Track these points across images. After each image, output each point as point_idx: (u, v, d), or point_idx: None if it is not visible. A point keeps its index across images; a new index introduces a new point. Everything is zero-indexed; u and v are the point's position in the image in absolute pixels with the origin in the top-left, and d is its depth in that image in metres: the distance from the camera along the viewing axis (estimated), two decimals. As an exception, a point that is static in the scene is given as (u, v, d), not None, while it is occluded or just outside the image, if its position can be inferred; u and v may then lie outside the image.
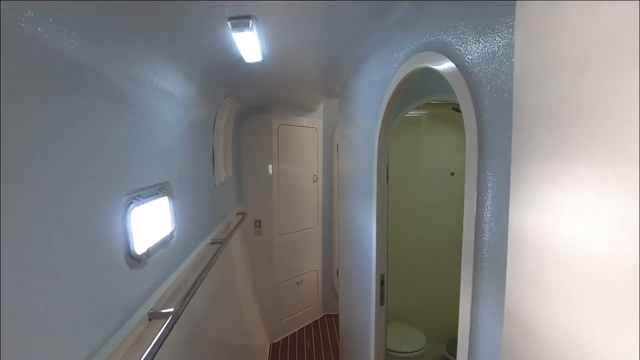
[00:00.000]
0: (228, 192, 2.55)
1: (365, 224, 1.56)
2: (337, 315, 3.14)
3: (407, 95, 1.83)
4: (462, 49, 0.78)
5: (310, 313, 3.45)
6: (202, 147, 1.93)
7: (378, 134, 1.28)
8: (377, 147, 1.31)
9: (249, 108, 2.85)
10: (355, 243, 1.86)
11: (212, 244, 1.92)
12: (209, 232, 1.98)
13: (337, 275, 3.45)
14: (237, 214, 2.72)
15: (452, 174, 2.82)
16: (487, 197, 0.71)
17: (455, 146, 2.82)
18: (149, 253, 1.11)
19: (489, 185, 0.70)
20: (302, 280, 3.27)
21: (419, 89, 1.93)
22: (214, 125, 2.14)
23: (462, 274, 0.80)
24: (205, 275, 1.48)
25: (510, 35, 0.62)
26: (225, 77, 1.92)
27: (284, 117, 2.99)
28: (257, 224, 3.00)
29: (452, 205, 2.89)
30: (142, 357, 0.88)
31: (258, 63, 1.54)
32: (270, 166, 2.93)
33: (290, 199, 3.08)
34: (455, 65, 0.80)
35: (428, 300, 2.96)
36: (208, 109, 1.99)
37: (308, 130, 3.19)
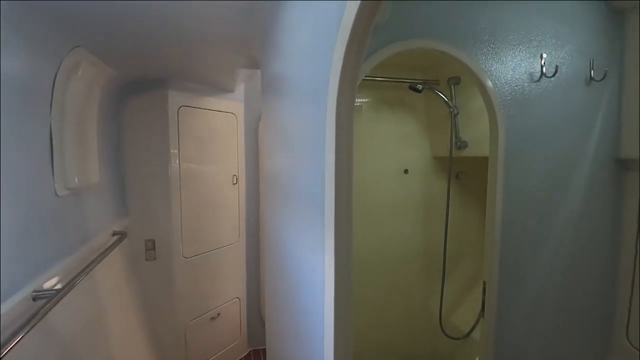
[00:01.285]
0: (95, 204, 1.68)
1: (310, 261, 0.89)
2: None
3: (378, 35, 1.21)
4: None
5: (233, 351, 2.68)
6: (21, 130, 1.09)
7: (336, 96, 0.62)
8: (332, 118, 0.65)
9: (132, 80, 1.99)
10: (291, 283, 1.17)
11: (34, 299, 1.08)
12: (34, 277, 1.13)
13: (266, 301, 2.73)
14: (113, 234, 1.85)
15: (406, 171, 2.28)
16: None
17: (407, 137, 2.29)
18: None
19: None
20: (218, 314, 2.48)
21: (397, 27, 1.31)
22: (52, 97, 1.28)
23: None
24: None
25: None
26: (67, 12, 1.10)
27: (187, 96, 2.18)
28: (150, 245, 2.14)
29: (408, 208, 2.37)
30: None
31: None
32: (168, 164, 2.10)
33: (199, 208, 2.28)
34: None
35: (385, 331, 2.40)
36: (33, 66, 1.14)
37: (224, 117, 2.41)
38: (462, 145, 2.01)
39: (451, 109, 1.95)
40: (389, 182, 2.26)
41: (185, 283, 2.25)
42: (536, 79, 1.42)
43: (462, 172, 2.35)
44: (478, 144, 1.96)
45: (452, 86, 1.98)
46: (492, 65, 1.37)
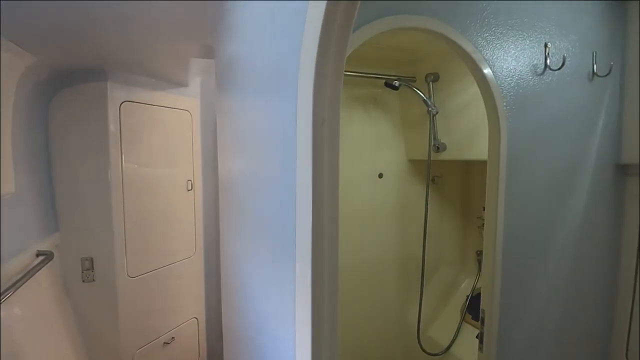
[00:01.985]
0: (8, 220, 1.36)
1: (278, 324, 0.66)
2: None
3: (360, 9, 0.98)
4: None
5: (190, 377, 2.39)
6: None
7: (312, 83, 0.41)
8: (307, 111, 0.44)
9: (63, 70, 1.68)
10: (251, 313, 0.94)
11: None
12: None
13: (228, 318, 2.47)
14: (37, 254, 1.53)
15: (380, 175, 2.11)
16: None
17: (381, 138, 2.12)
18: None
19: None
20: (173, 338, 2.19)
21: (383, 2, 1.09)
22: None
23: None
24: None
25: None
26: None
27: (132, 90, 1.88)
28: (87, 264, 1.82)
29: (383, 215, 2.19)
30: None
31: None
32: (108, 169, 1.79)
33: (147, 218, 1.98)
34: None
35: (359, 348, 2.21)
36: None
37: (176, 114, 2.12)
38: (440, 147, 1.87)
39: (429, 108, 1.80)
40: (362, 187, 2.08)
41: (132, 305, 1.95)
42: (540, 71, 1.27)
43: (438, 176, 2.21)
44: (458, 147, 1.82)
45: (431, 83, 1.83)
46: (493, 52, 1.19)
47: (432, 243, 2.20)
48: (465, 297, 2.21)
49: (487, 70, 1.16)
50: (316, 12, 0.41)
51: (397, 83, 1.73)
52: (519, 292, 1.40)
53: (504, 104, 1.21)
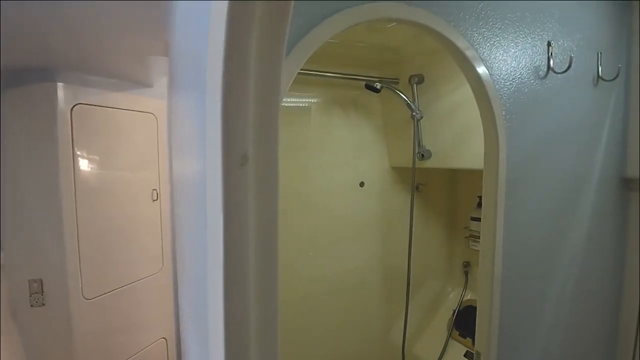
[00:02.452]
0: None
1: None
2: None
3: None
4: None
5: (160, 401, 2.21)
6: None
7: (221, 78, 0.27)
8: (215, 113, 0.29)
9: (4, 70, 1.48)
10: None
11: None
12: None
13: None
14: (-32, 280, 1.33)
15: (361, 184, 1.97)
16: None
17: (362, 144, 1.98)
18: None
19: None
20: (138, 362, 2.00)
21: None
22: None
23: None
24: None
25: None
26: None
27: (88, 91, 1.69)
28: (36, 287, 1.63)
29: (364, 226, 2.06)
30: None
31: None
32: (57, 179, 1.60)
33: (106, 233, 1.80)
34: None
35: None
36: None
37: (139, 117, 1.94)
38: (425, 154, 1.74)
39: (413, 113, 1.67)
40: (342, 196, 1.94)
41: (89, 330, 1.76)
42: (542, 74, 1.13)
43: (422, 184, 2.09)
44: (444, 154, 1.69)
45: (415, 86, 1.70)
46: (490, 51, 1.04)
47: (417, 254, 2.08)
48: (452, 312, 2.09)
49: (482, 70, 1.01)
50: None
51: (378, 85, 1.59)
52: (520, 324, 1.27)
53: (503, 111, 1.07)
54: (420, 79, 1.69)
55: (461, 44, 0.93)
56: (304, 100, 1.82)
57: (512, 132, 1.07)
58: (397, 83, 1.81)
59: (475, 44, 0.98)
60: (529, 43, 1.13)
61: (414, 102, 1.69)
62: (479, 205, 1.99)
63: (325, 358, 2.02)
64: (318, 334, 1.99)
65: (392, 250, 2.10)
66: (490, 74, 1.01)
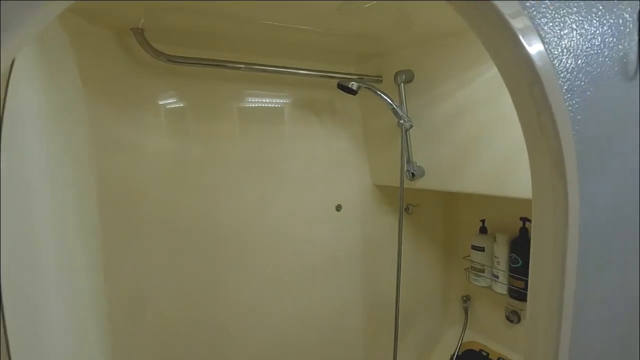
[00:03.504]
0: None
1: None
2: None
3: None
4: None
5: None
6: None
7: None
8: None
9: None
10: None
11: None
12: None
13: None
14: None
15: (338, 207, 1.59)
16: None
17: (339, 158, 1.60)
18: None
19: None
20: None
21: None
22: None
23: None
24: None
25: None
26: None
27: None
28: None
29: (342, 258, 1.67)
30: None
31: None
32: None
33: None
34: None
35: None
36: None
37: None
38: (416, 173, 1.36)
39: (401, 120, 1.29)
40: (314, 224, 1.55)
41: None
42: (632, 72, 0.66)
43: (413, 205, 1.72)
44: (441, 174, 1.32)
45: (402, 85, 1.32)
46: (554, 27, 0.56)
47: (407, 288, 1.71)
48: (449, 358, 1.74)
49: (538, 51, 0.56)
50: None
51: (354, 85, 1.21)
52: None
53: (575, 125, 0.60)
54: (409, 77, 1.31)
55: (508, 8, 0.51)
56: (265, 103, 1.42)
57: (585, 161, 0.63)
58: (380, 82, 1.42)
59: (531, 11, 0.54)
60: (612, 20, 0.64)
61: (401, 106, 1.31)
62: (482, 230, 1.63)
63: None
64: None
65: (377, 285, 1.73)
66: (551, 60, 0.57)
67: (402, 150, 1.32)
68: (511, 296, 1.49)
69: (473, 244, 1.62)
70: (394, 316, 1.54)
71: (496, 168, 1.17)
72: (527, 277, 1.43)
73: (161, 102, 1.24)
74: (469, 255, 1.66)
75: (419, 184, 1.40)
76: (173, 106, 1.26)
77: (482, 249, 1.59)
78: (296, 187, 1.50)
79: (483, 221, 1.63)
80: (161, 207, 1.27)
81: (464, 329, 1.77)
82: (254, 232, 1.44)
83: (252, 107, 1.39)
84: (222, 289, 1.40)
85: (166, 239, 1.29)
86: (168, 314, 1.32)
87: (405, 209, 1.71)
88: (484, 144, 1.18)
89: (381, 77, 1.42)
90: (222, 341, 1.43)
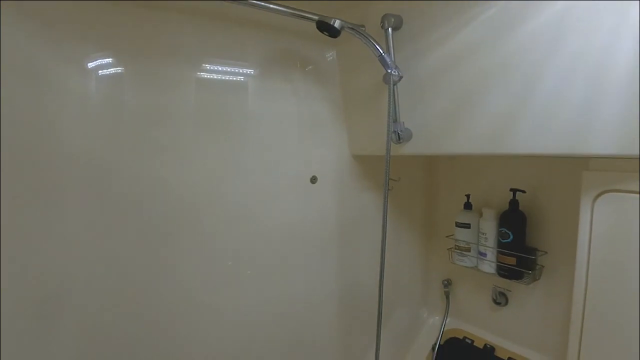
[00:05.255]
0: None
1: None
2: None
3: None
4: None
5: None
6: None
7: None
8: None
9: None
10: None
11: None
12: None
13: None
14: None
15: (313, 179, 1.38)
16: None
17: (314, 125, 1.39)
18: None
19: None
20: None
21: None
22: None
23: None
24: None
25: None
26: None
27: None
28: None
29: (316, 239, 1.46)
30: None
31: None
32: None
33: None
34: None
35: None
36: None
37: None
38: (402, 135, 1.19)
39: (389, 70, 1.11)
40: (285, 198, 1.33)
41: None
42: None
43: (394, 180, 1.55)
44: (433, 135, 1.16)
45: (389, 31, 1.14)
46: None
47: (386, 274, 1.54)
48: (432, 347, 1.59)
49: None
50: None
51: (337, 23, 1.01)
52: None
53: None
54: (398, 22, 1.14)
55: None
56: (226, 48, 1.17)
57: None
58: (362, 28, 1.23)
59: None
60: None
61: (389, 54, 1.13)
62: (467, 206, 1.50)
63: None
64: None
65: (354, 268, 1.54)
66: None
67: (389, 107, 1.13)
68: (500, 275, 1.36)
69: (457, 221, 1.48)
70: (377, 305, 1.35)
71: (493, 124, 1.02)
72: (519, 252, 1.32)
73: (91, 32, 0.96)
74: (452, 235, 1.52)
75: (406, 148, 1.23)
76: (106, 39, 0.99)
77: (467, 226, 1.46)
78: (262, 154, 1.26)
79: (468, 196, 1.50)
80: (89, 168, 0.98)
81: (446, 316, 1.63)
82: (210, 206, 1.18)
83: (210, 50, 1.14)
84: (168, 279, 1.13)
85: (95, 211, 1.00)
86: (95, 311, 1.02)
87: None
88: (479, 98, 1.03)
89: (363, 25, 1.24)
90: (167, 344, 1.15)
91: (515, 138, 0.98)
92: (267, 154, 1.28)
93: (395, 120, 1.19)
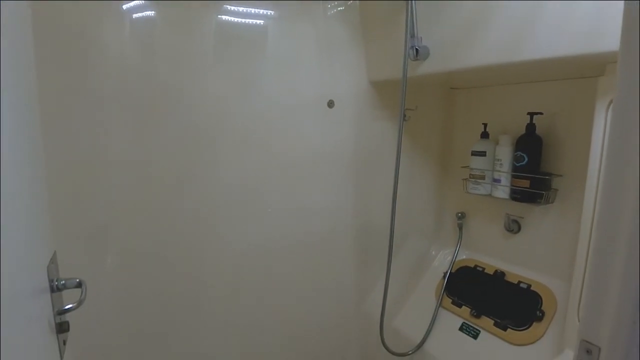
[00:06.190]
0: None
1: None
2: None
3: None
4: None
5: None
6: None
7: None
8: None
9: None
10: None
11: None
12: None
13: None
14: None
15: (330, 103, 1.42)
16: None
17: (331, 49, 1.42)
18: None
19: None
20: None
21: None
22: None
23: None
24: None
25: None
26: None
27: None
28: None
29: (333, 163, 1.51)
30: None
31: None
32: None
33: None
34: None
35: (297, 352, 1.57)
36: None
37: None
38: (420, 52, 1.21)
39: (408, -18, 1.12)
40: (303, 121, 1.38)
41: None
42: None
43: (410, 109, 1.57)
44: (447, 51, 1.17)
45: (409, -59, 1.14)
46: None
47: (400, 205, 1.59)
48: (442, 275, 1.65)
49: None
50: None
51: None
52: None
53: None
54: None
55: None
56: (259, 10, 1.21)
57: None
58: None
59: None
60: None
61: (408, -36, 1.14)
62: (484, 136, 1.51)
63: (285, 336, 1.52)
64: (275, 310, 1.48)
65: (369, 198, 1.60)
66: None
67: (406, 21, 1.15)
68: (513, 199, 1.39)
69: (473, 150, 1.50)
70: (389, 232, 1.42)
71: (511, 31, 1.03)
72: (533, 174, 1.33)
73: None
74: (467, 166, 1.54)
75: (423, 67, 1.25)
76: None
77: (482, 154, 1.47)
78: (280, 75, 1.31)
79: (485, 125, 1.50)
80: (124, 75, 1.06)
81: (458, 246, 1.67)
82: (229, 130, 1.25)
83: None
84: (192, 191, 1.22)
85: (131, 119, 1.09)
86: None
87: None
88: (497, 5, 1.03)
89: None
90: (190, 255, 1.26)
91: (533, 42, 0.98)
92: (285, 74, 1.32)
93: (412, 36, 1.20)
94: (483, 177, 1.48)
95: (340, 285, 1.62)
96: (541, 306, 1.32)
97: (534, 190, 1.32)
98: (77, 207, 1.07)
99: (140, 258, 1.20)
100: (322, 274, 1.56)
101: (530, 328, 1.30)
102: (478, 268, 1.59)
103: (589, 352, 0.37)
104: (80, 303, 0.55)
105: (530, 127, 1.34)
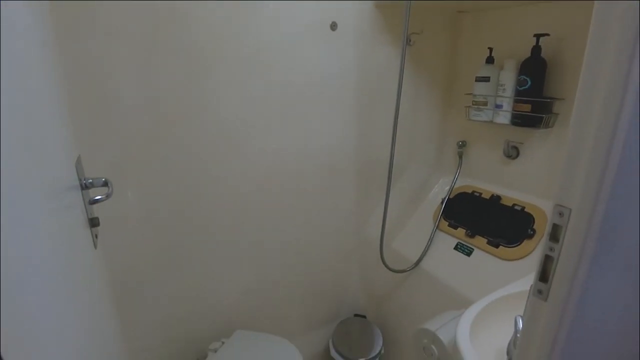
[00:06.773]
0: None
1: None
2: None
3: None
4: None
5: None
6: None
7: None
8: None
9: None
10: None
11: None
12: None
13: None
14: None
15: (333, 25, 1.39)
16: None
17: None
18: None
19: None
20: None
21: None
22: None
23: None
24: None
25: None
26: None
27: None
28: None
29: (336, 90, 1.52)
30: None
31: None
32: None
33: None
34: None
35: (304, 276, 1.71)
36: None
37: None
38: (427, -33, 1.15)
39: None
40: (305, 44, 1.36)
41: None
42: None
43: (416, 33, 1.53)
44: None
45: None
46: None
47: (402, 132, 1.62)
48: (440, 200, 1.73)
49: None
50: None
51: None
52: None
53: None
54: None
55: None
56: None
57: None
58: None
59: None
60: None
61: None
62: (489, 61, 1.49)
63: (289, 258, 1.64)
64: (278, 234, 1.58)
65: (371, 124, 1.62)
66: None
67: None
68: (514, 124, 1.41)
69: (477, 76, 1.49)
70: (389, 158, 1.46)
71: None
72: (535, 98, 1.34)
73: None
74: (470, 93, 1.54)
75: (430, -17, 1.20)
76: None
77: (486, 79, 1.46)
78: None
79: (490, 49, 1.47)
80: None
81: (457, 173, 1.73)
82: (228, 51, 1.24)
83: None
84: (205, 114, 1.25)
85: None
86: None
87: (407, 41, 1.53)
88: None
89: None
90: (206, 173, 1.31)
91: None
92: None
93: (420, -52, 1.14)
94: (485, 104, 1.49)
95: (341, 213, 1.71)
96: (533, 225, 1.40)
97: (534, 114, 1.33)
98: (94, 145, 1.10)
99: (159, 187, 1.26)
100: (324, 199, 1.64)
101: (521, 245, 1.40)
102: (475, 193, 1.66)
103: (561, 214, 0.42)
104: (108, 196, 0.61)
105: (536, 49, 1.32)
